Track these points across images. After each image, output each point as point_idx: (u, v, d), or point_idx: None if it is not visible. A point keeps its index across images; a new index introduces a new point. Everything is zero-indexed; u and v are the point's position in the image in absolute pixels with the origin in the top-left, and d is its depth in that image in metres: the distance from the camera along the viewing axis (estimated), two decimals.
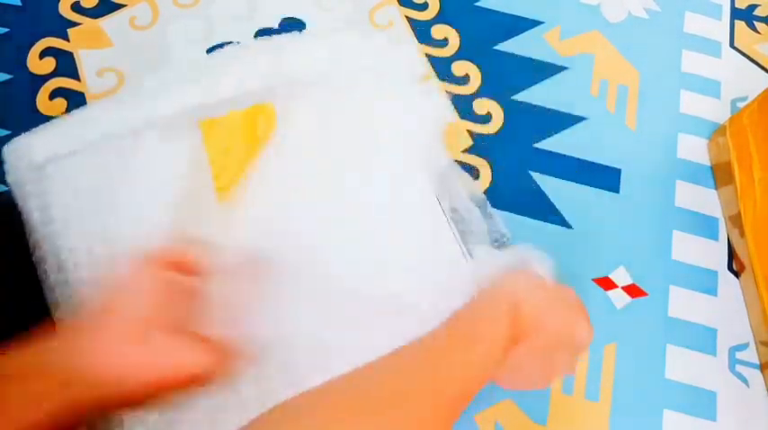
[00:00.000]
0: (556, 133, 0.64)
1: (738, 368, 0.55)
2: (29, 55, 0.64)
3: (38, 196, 0.44)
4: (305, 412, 0.28)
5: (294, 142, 0.45)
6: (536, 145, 0.63)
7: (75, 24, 0.66)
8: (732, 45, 0.71)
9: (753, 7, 0.74)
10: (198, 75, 0.49)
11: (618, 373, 0.54)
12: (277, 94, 0.46)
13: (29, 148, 0.45)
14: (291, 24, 0.67)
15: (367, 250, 0.44)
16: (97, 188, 0.44)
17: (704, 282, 0.58)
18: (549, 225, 0.59)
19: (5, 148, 0.47)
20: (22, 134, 0.47)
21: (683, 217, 0.61)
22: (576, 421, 0.52)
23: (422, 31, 0.68)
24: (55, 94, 0.62)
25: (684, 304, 0.57)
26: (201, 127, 0.43)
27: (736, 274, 0.59)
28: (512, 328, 0.37)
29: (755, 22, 0.73)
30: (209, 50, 0.62)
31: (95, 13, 0.67)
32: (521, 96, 0.65)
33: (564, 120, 0.64)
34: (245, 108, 0.44)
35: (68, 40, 0.66)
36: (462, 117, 0.63)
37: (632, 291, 0.57)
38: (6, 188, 0.57)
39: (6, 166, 0.46)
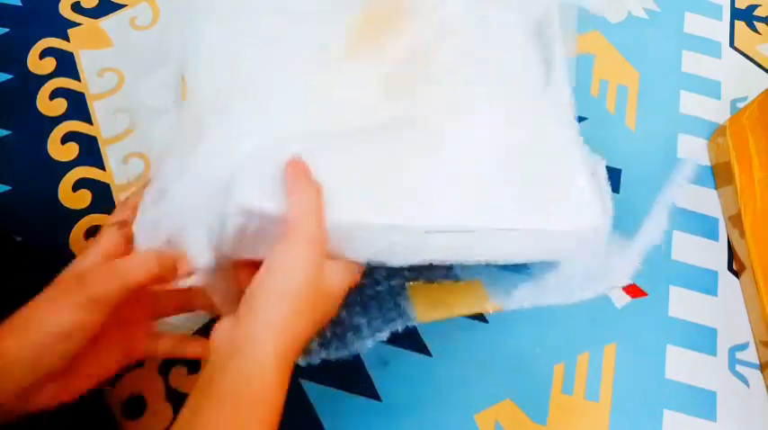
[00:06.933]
0: None
1: (738, 368, 0.55)
2: (29, 55, 0.64)
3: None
4: None
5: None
6: None
7: (75, 24, 0.66)
8: (732, 45, 0.72)
9: (753, 7, 0.74)
10: None
11: (618, 373, 0.54)
12: None
13: None
14: None
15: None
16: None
17: (704, 283, 0.58)
18: None
19: None
20: None
21: (684, 217, 0.61)
22: (576, 421, 0.52)
23: None
24: (55, 94, 0.62)
25: (685, 304, 0.57)
26: None
27: (737, 274, 0.59)
28: None
29: (755, 23, 0.73)
30: None
31: (96, 13, 0.67)
32: None
33: None
34: None
35: (68, 41, 0.66)
36: None
37: (632, 291, 0.57)
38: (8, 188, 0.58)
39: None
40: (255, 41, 0.40)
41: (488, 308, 0.43)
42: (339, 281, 0.34)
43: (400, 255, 0.36)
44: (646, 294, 0.57)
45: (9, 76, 0.63)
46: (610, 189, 0.41)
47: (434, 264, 0.37)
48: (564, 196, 0.39)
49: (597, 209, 0.40)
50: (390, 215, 0.35)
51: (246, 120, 0.36)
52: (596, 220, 0.39)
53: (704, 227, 0.61)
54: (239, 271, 0.36)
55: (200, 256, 0.33)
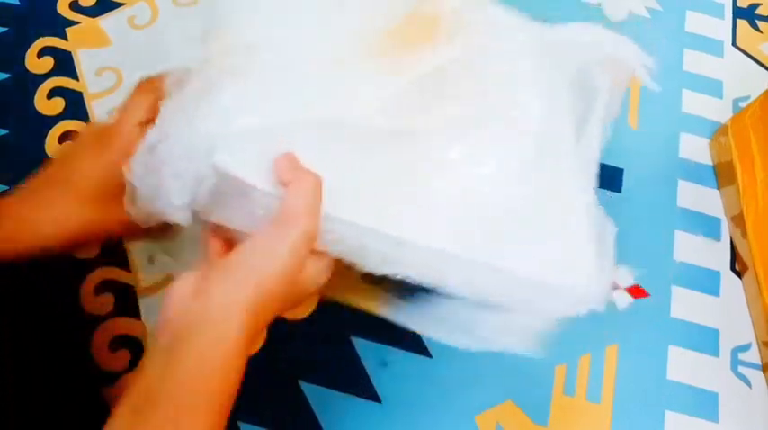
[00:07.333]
0: None
1: (740, 369, 0.55)
2: (27, 54, 0.64)
3: None
4: None
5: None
6: None
7: (73, 23, 0.66)
8: (734, 44, 0.71)
9: (755, 6, 0.74)
10: None
11: (619, 374, 0.54)
12: None
13: None
14: None
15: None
16: None
17: (706, 283, 0.58)
18: None
19: None
20: None
21: (686, 217, 0.61)
22: (578, 422, 0.52)
23: None
24: (53, 93, 0.62)
25: (687, 305, 0.57)
26: None
27: (739, 275, 0.59)
28: None
29: (757, 21, 0.73)
30: None
31: (94, 12, 0.67)
32: None
33: None
34: None
35: (67, 40, 0.65)
36: None
37: (634, 291, 0.57)
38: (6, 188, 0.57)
39: None
40: (292, 7, 0.40)
41: (376, 310, 0.41)
42: (316, 277, 0.33)
43: (373, 261, 0.35)
44: (648, 295, 0.57)
45: (7, 75, 0.63)
46: (614, 259, 0.38)
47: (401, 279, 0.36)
48: (560, 251, 0.38)
49: (591, 272, 0.37)
50: (364, 216, 0.34)
51: (254, 89, 0.36)
52: (590, 285, 0.37)
53: (706, 227, 0.61)
54: (213, 238, 0.35)
55: (177, 213, 0.34)
